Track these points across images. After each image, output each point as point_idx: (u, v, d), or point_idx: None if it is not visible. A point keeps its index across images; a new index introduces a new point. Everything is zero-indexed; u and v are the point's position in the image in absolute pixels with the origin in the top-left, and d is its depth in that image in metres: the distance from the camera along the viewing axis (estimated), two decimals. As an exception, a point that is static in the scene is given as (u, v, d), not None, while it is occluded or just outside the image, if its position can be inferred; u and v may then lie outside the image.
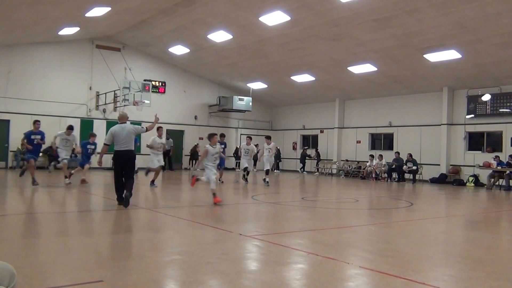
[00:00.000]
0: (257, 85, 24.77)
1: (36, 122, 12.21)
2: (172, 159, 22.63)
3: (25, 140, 12.24)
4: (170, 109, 24.15)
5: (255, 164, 19.70)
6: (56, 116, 20.83)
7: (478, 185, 18.00)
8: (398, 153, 20.42)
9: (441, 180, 19.19)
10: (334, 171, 24.28)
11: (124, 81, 20.54)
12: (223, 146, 14.39)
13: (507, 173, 16.52)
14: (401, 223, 8.19)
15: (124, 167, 8.35)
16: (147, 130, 8.80)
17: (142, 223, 7.30)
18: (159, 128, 13.21)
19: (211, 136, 9.59)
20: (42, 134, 12.23)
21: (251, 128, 27.27)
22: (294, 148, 27.11)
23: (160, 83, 24.02)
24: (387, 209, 10.41)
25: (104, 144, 8.59)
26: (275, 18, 15.95)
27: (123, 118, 8.78)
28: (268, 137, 15.87)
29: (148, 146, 13.03)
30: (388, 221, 8.27)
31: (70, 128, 12.77)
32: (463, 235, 6.63)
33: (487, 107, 18.24)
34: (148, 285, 3.81)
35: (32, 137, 11.99)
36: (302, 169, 25.39)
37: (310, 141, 26.82)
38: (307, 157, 25.38)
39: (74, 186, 12.21)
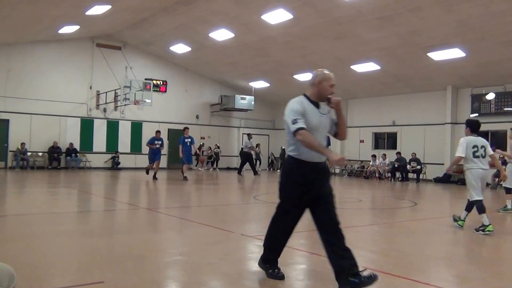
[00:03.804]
0: (260, 84, 24.69)
1: None
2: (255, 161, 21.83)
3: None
4: (171, 108, 24.08)
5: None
6: (56, 115, 20.80)
7: (482, 185, 17.88)
8: (399, 153, 20.34)
9: (445, 179, 19.05)
10: (337, 171, 24.20)
11: (125, 80, 20.41)
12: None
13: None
14: (405, 223, 8.12)
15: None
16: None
17: (143, 224, 7.25)
18: None
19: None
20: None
21: (253, 127, 27.18)
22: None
23: (161, 82, 23.97)
24: (390, 209, 10.34)
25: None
26: (277, 16, 15.85)
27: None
28: None
29: None
30: (392, 221, 8.20)
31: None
32: (467, 235, 6.58)
33: (492, 106, 18.13)
34: (149, 286, 3.76)
35: None
36: None
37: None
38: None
39: None
